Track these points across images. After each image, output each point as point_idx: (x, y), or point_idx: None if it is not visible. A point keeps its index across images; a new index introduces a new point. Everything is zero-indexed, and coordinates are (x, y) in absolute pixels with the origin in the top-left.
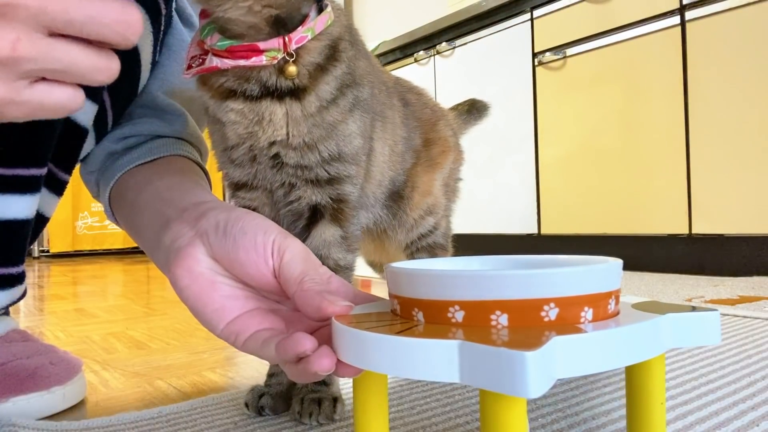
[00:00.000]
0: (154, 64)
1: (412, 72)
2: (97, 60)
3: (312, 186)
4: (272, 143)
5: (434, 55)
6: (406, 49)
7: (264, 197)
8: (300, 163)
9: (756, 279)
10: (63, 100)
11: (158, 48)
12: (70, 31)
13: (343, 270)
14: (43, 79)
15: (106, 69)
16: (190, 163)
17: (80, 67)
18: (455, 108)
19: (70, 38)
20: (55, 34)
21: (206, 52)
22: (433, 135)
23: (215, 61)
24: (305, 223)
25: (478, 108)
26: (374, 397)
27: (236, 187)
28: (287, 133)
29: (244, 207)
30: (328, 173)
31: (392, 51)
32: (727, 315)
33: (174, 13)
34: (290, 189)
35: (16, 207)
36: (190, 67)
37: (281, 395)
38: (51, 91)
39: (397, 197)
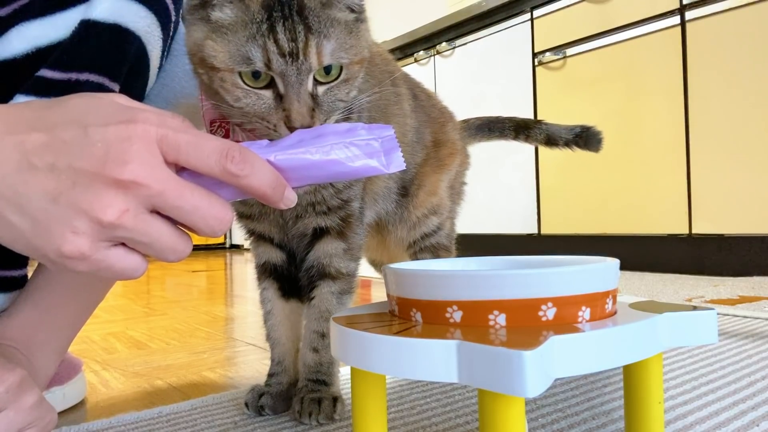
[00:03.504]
0: (160, 68)
1: (412, 72)
2: (176, 242)
3: (322, 215)
4: None
5: (434, 55)
6: (406, 49)
7: (271, 226)
8: (312, 201)
9: (756, 279)
10: (130, 268)
11: (166, 54)
12: (173, 214)
13: (345, 277)
14: (122, 244)
15: (181, 252)
16: None
17: (162, 244)
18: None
19: (163, 218)
20: (154, 211)
21: (226, 120)
22: (442, 136)
23: (240, 137)
24: (309, 240)
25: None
26: (373, 397)
27: (240, 216)
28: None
29: (250, 230)
30: (341, 200)
31: (392, 51)
32: (727, 315)
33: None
34: (297, 219)
35: None
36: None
37: (281, 395)
38: (125, 257)
39: (404, 192)
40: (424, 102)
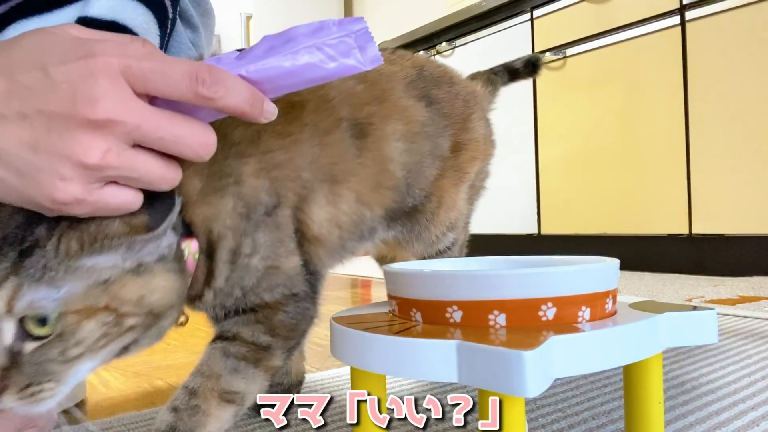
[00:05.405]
0: None
1: None
2: (166, 171)
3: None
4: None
5: (434, 55)
6: (406, 49)
7: None
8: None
9: (756, 279)
10: (125, 203)
11: (163, 51)
12: (156, 146)
13: (250, 345)
14: (113, 181)
15: (171, 179)
16: None
17: (152, 176)
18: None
19: (147, 149)
20: (137, 145)
21: None
22: (464, 135)
23: None
24: None
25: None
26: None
27: None
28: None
29: None
30: (248, 304)
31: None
32: (727, 315)
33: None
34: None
35: None
36: None
37: None
38: (118, 194)
39: (413, 213)
40: (443, 102)
